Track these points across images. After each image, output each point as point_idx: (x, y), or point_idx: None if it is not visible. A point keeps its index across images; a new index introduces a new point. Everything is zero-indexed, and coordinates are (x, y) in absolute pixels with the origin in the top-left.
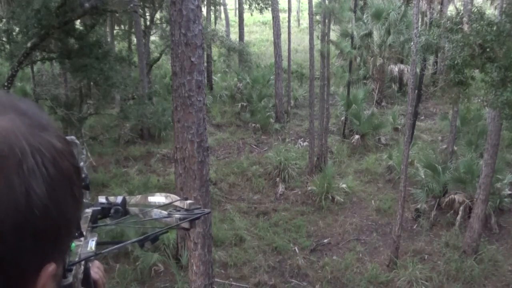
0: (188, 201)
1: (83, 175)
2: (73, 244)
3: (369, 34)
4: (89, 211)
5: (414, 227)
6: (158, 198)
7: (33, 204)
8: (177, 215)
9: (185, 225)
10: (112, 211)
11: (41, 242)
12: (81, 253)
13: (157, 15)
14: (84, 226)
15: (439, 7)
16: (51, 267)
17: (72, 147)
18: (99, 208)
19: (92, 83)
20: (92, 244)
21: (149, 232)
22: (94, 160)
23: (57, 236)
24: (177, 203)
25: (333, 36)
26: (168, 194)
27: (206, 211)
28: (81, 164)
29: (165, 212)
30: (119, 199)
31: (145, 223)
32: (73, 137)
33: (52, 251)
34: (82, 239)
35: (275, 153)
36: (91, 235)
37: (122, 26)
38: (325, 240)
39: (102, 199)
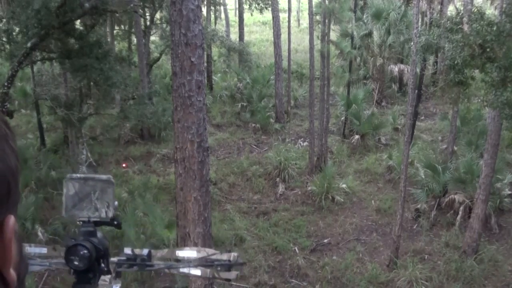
0: (234, 254)
1: (115, 215)
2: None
3: (369, 34)
4: (114, 259)
5: (414, 227)
6: (188, 253)
7: None
8: (209, 269)
9: (230, 275)
10: (137, 261)
11: None
12: None
13: (157, 15)
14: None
15: (439, 7)
16: (11, 220)
17: (109, 186)
18: (124, 258)
19: (92, 83)
20: None
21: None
22: (94, 160)
23: (7, 187)
24: (216, 256)
25: (333, 36)
26: (200, 248)
27: (240, 261)
28: (115, 203)
29: (195, 268)
30: (144, 251)
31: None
32: (110, 176)
33: (7, 203)
34: (107, 278)
35: (275, 153)
36: (115, 282)
37: (122, 26)
38: (325, 240)
39: (128, 250)
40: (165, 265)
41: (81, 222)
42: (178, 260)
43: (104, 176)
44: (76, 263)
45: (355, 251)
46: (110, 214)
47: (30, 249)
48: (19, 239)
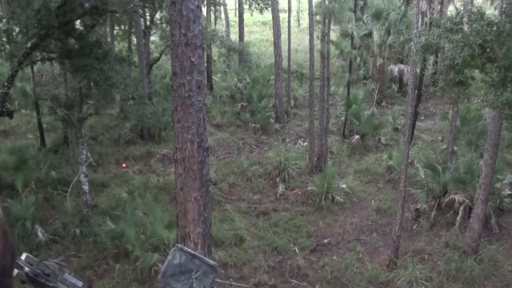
0: None
1: None
2: None
3: (369, 34)
4: None
5: (414, 227)
6: None
7: None
8: None
9: None
10: None
11: None
12: None
13: (157, 15)
14: None
15: (439, 7)
16: None
17: (212, 272)
18: None
19: (92, 83)
20: None
21: None
22: (94, 160)
23: None
24: None
25: (333, 36)
26: None
27: None
28: None
29: None
30: None
31: None
32: (216, 264)
33: None
34: None
35: (275, 153)
36: None
37: (122, 26)
38: (325, 240)
39: None
40: None
41: None
42: None
43: (211, 262)
44: None
45: (355, 251)
46: None
47: (68, 277)
48: (3, 226)
